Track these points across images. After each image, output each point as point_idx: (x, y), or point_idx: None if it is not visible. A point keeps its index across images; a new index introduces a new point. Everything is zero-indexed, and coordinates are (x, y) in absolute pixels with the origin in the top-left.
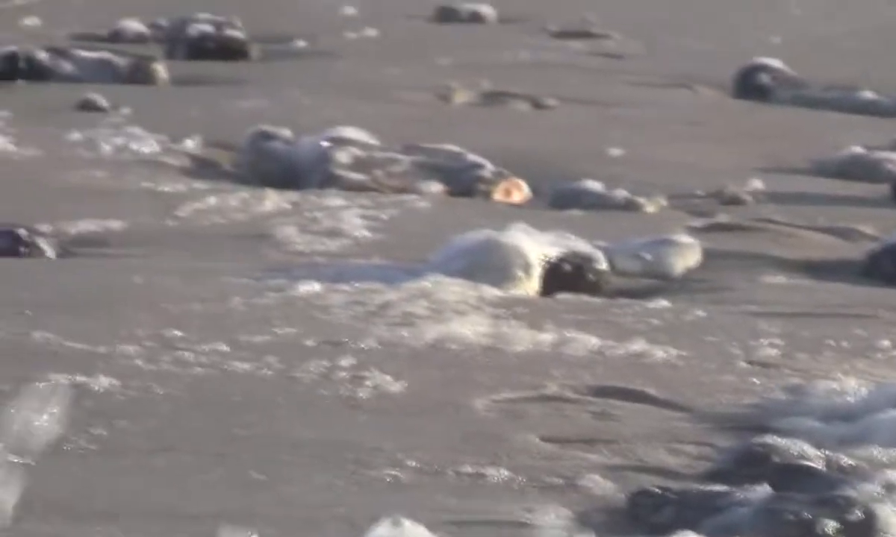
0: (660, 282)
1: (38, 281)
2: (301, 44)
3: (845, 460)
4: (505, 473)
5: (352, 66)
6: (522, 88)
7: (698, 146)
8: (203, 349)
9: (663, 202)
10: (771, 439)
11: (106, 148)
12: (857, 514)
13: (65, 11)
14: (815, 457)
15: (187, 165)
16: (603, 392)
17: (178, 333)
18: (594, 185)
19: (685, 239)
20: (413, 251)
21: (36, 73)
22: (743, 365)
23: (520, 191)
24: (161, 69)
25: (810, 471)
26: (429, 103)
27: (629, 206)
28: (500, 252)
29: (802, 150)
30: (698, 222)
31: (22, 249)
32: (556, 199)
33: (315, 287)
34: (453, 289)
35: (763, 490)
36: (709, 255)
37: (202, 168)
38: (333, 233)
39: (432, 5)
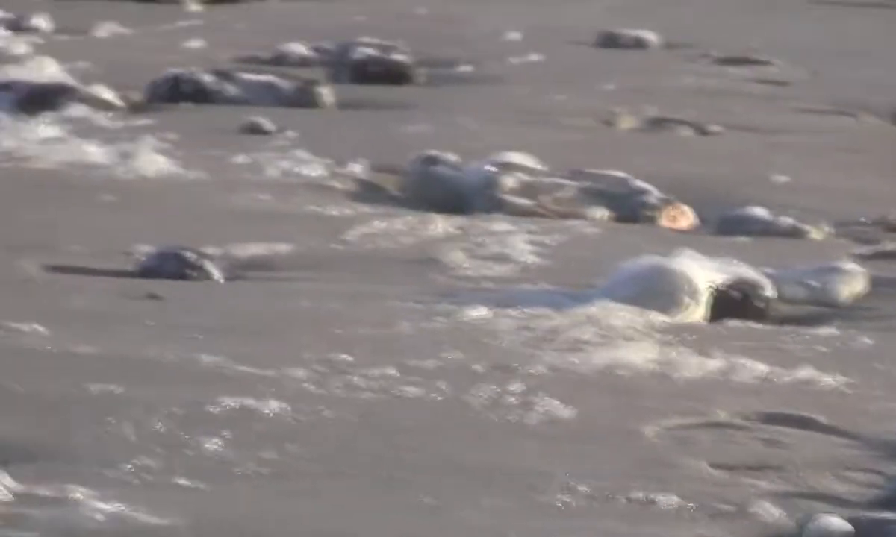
0: (827, 310)
1: (206, 304)
2: (466, 68)
3: None
4: (675, 500)
5: (516, 92)
6: (687, 115)
7: (862, 174)
8: (372, 373)
9: (828, 229)
10: None
11: (271, 171)
12: None
13: (229, 34)
14: None
15: (353, 189)
16: (771, 419)
17: (346, 357)
18: (760, 212)
19: (852, 266)
20: (580, 277)
21: (200, 95)
22: None
23: (686, 218)
24: (326, 92)
25: None
26: (593, 129)
27: (795, 233)
28: (668, 278)
29: None
30: (864, 250)
31: (189, 272)
32: (722, 226)
33: (483, 312)
34: (621, 314)
35: None
36: (875, 283)
37: (368, 192)
38: (500, 258)
39: (595, 31)
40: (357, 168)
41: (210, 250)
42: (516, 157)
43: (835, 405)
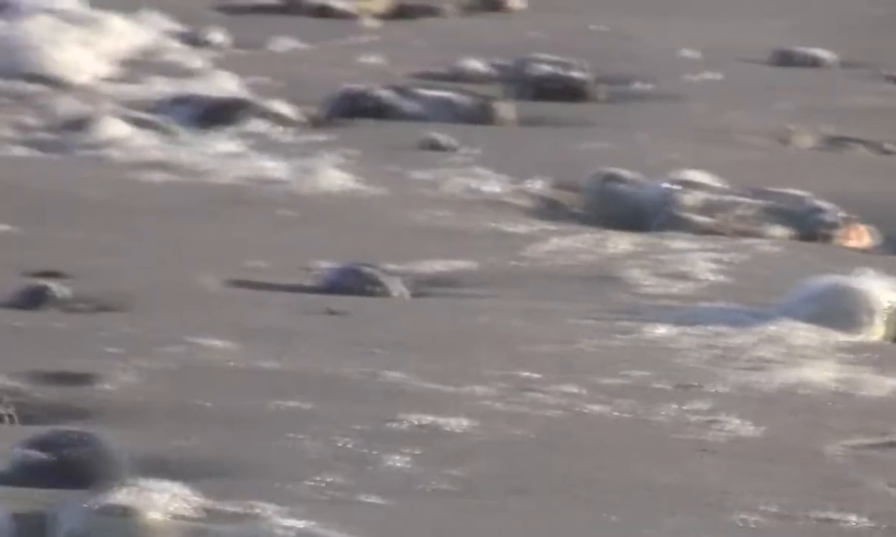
0: None
1: (387, 320)
2: (643, 86)
3: None
4: (858, 519)
5: (693, 109)
6: (862, 133)
7: None
8: (555, 390)
9: None
10: None
11: (451, 187)
12: None
13: (406, 50)
14: None
15: (532, 206)
16: None
17: (529, 374)
18: None
19: None
20: (760, 295)
21: (379, 111)
22: None
23: (864, 237)
24: (504, 109)
25: None
26: (769, 147)
27: None
28: (849, 297)
29: None
30: None
31: (370, 288)
32: None
33: (664, 329)
34: (803, 333)
35: None
36: None
37: (547, 209)
38: (680, 276)
39: (770, 49)
40: (536, 185)
41: (390, 266)
42: (695, 175)
43: None
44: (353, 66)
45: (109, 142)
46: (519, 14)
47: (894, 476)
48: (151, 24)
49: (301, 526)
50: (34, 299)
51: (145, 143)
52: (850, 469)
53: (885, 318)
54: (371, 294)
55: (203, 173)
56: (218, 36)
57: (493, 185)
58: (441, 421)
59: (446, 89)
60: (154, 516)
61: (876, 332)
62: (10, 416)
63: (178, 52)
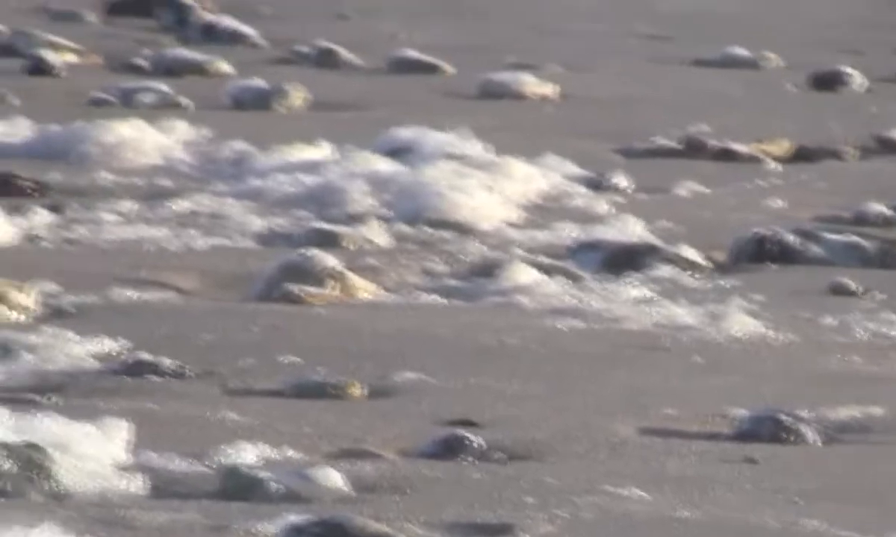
0: None
1: (803, 468)
2: None
3: None
4: None
5: None
6: None
7: None
8: None
9: None
10: None
11: (860, 333)
12: None
13: (808, 193)
14: None
15: None
16: None
17: None
18: None
19: None
20: None
21: (785, 255)
22: None
23: None
24: None
25: None
26: None
27: None
28: None
29: None
30: None
31: (785, 436)
32: None
33: None
34: None
35: None
36: None
37: None
38: None
39: None
40: None
41: (804, 413)
42: None
43: None
44: (757, 210)
45: (518, 289)
46: None
47: None
48: (554, 168)
49: None
50: (450, 448)
51: (554, 289)
52: None
53: None
54: (786, 442)
55: (612, 319)
56: (621, 180)
57: None
58: None
59: (851, 233)
60: None
61: None
62: None
63: (582, 197)
